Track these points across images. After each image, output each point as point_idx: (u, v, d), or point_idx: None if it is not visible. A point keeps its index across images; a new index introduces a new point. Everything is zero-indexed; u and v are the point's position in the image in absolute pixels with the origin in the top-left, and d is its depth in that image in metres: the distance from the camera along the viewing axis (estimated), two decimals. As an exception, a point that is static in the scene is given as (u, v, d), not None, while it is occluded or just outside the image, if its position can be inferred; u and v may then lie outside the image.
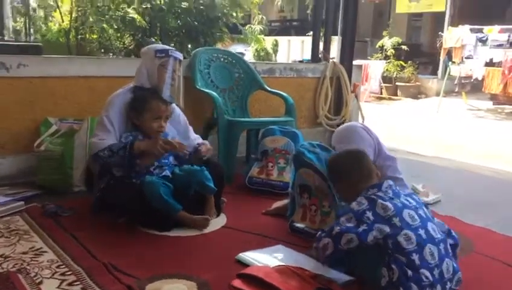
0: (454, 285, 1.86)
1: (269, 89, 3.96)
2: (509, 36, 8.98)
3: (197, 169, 2.58)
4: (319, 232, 1.99)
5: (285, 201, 2.76)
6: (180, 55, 2.75)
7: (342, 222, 1.88)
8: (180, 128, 2.82)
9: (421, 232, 1.81)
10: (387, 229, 1.80)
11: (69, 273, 1.98)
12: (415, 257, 1.76)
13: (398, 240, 1.78)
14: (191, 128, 2.90)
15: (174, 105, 2.78)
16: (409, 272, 1.74)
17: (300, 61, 4.93)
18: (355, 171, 2.06)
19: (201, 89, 3.58)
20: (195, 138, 2.87)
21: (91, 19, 6.60)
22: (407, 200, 1.92)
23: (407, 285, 1.73)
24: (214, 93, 3.50)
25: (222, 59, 3.92)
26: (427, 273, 1.75)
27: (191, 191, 2.55)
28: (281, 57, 12.44)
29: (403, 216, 1.83)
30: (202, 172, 2.56)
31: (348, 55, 4.88)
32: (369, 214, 1.84)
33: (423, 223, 1.85)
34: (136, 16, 6.09)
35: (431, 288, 1.75)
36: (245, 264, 2.09)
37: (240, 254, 2.18)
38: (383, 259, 1.81)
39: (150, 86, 2.67)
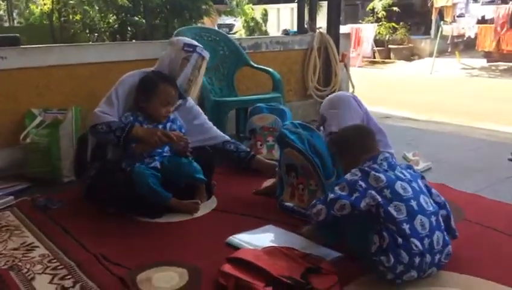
0: (444, 257, 1.87)
1: (255, 65, 3.91)
2: (500, -8, 8.86)
3: (185, 162, 2.55)
4: (314, 200, 2.00)
5: (274, 180, 2.76)
6: (207, 54, 2.72)
7: (335, 190, 1.92)
8: (189, 118, 2.78)
9: (413, 203, 1.83)
10: (378, 198, 1.83)
11: (60, 267, 1.99)
12: (406, 226, 1.78)
13: (388, 209, 1.80)
14: (203, 119, 2.85)
15: (188, 98, 2.76)
16: (399, 240, 1.76)
17: (287, 33, 4.82)
18: (358, 145, 2.08)
19: (186, 70, 3.52)
20: (210, 128, 2.84)
21: (72, 1, 6.46)
22: (402, 173, 1.94)
23: (397, 251, 1.75)
24: (199, 74, 3.45)
25: (205, 37, 3.85)
26: (417, 242, 1.77)
27: (182, 183, 2.53)
28: (271, 27, 12.24)
29: (394, 188, 1.84)
30: (190, 165, 2.54)
31: (334, 24, 4.79)
32: (361, 183, 1.87)
33: (415, 195, 1.86)
34: (118, -5, 5.97)
35: (420, 257, 1.77)
36: (236, 248, 2.10)
37: (230, 237, 2.19)
38: (375, 227, 1.82)
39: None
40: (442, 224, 1.91)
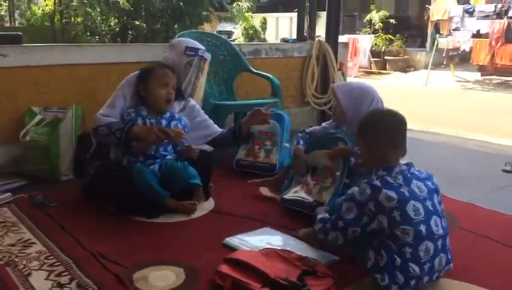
0: (442, 274, 1.85)
1: (254, 70, 3.94)
2: (495, 7, 8.95)
3: (180, 168, 2.54)
4: (322, 224, 1.94)
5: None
6: (208, 56, 2.74)
7: (343, 212, 1.82)
8: (192, 116, 2.80)
9: (422, 228, 1.73)
10: (385, 222, 1.74)
11: (57, 264, 1.99)
12: (408, 250, 1.72)
13: (394, 232, 1.73)
14: (205, 116, 2.85)
15: (189, 98, 2.78)
16: (398, 261, 1.72)
17: (286, 41, 4.86)
18: (388, 136, 1.88)
19: (186, 73, 3.55)
20: (211, 124, 2.85)
21: (74, 2, 6.48)
22: (419, 187, 1.80)
23: (393, 273, 1.71)
24: (199, 77, 3.47)
25: (206, 42, 3.86)
26: (416, 267, 1.72)
27: (177, 187, 2.54)
28: (270, 35, 12.32)
29: (406, 209, 1.73)
30: (185, 171, 2.54)
31: (333, 32, 4.84)
32: (371, 205, 1.76)
33: (427, 217, 1.75)
34: (119, -2, 5.99)
35: (417, 280, 1.73)
36: (232, 249, 2.11)
37: (227, 239, 2.20)
38: (372, 242, 1.79)
39: None
40: (448, 244, 1.84)
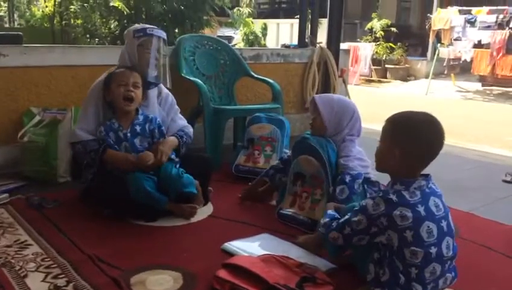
0: (446, 286, 1.80)
1: (255, 75, 3.93)
2: (497, 17, 8.98)
3: (175, 178, 2.49)
4: (329, 220, 1.89)
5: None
6: (161, 34, 2.68)
7: (353, 221, 1.74)
8: (166, 108, 2.77)
9: (433, 250, 1.65)
10: (395, 239, 1.66)
11: (54, 266, 1.97)
12: (413, 270, 1.66)
13: (403, 251, 1.66)
14: (177, 111, 2.82)
15: (161, 85, 2.75)
16: (402, 279, 1.66)
17: (287, 47, 4.86)
18: (427, 152, 1.72)
19: (186, 76, 3.54)
20: (181, 124, 2.79)
21: (74, 6, 6.48)
22: (437, 205, 1.69)
23: (395, 289, 1.68)
24: (199, 81, 3.47)
25: (207, 46, 3.88)
26: (419, 287, 1.67)
27: (173, 195, 2.50)
28: (270, 41, 12.35)
29: (419, 231, 1.64)
30: (179, 180, 2.50)
31: (335, 39, 4.84)
32: (383, 219, 1.67)
33: (440, 239, 1.67)
34: (117, 3, 5.97)
35: None
36: (231, 254, 2.09)
37: (226, 244, 2.19)
38: (373, 254, 1.75)
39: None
40: (454, 264, 1.78)
